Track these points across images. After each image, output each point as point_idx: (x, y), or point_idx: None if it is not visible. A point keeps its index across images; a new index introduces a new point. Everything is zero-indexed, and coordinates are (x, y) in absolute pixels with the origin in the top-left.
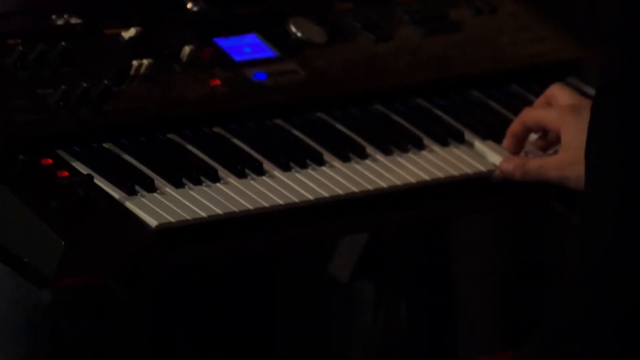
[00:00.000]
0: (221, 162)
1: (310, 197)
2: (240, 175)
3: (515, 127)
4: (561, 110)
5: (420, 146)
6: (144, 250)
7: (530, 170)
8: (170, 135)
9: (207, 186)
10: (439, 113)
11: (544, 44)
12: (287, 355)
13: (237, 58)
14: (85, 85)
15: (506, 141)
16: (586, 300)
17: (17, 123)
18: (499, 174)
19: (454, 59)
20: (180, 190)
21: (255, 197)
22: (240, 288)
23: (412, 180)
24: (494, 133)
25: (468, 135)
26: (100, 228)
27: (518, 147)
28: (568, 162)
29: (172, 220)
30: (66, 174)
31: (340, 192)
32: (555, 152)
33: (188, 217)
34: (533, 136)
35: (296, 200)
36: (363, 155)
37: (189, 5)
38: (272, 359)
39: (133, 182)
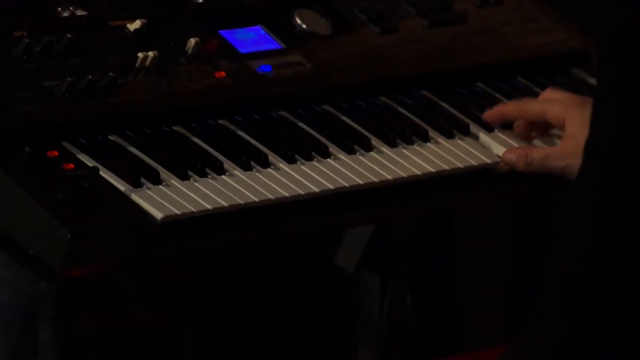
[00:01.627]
0: (226, 154)
1: (316, 189)
2: (246, 167)
3: (509, 111)
4: (565, 104)
5: (425, 138)
6: (150, 242)
7: (534, 160)
8: (175, 128)
9: (213, 178)
10: (444, 105)
11: (549, 35)
12: (291, 347)
13: (242, 50)
14: (90, 77)
15: (490, 114)
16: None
17: (23, 115)
18: (504, 165)
19: (459, 50)
20: (186, 182)
21: (261, 189)
22: (244, 279)
23: (417, 172)
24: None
25: (473, 128)
26: (106, 220)
27: (497, 123)
28: (573, 151)
29: (178, 212)
30: (72, 166)
31: (346, 184)
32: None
33: (193, 210)
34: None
35: (301, 192)
36: (368, 147)
37: None
38: (277, 351)
39: (138, 175)
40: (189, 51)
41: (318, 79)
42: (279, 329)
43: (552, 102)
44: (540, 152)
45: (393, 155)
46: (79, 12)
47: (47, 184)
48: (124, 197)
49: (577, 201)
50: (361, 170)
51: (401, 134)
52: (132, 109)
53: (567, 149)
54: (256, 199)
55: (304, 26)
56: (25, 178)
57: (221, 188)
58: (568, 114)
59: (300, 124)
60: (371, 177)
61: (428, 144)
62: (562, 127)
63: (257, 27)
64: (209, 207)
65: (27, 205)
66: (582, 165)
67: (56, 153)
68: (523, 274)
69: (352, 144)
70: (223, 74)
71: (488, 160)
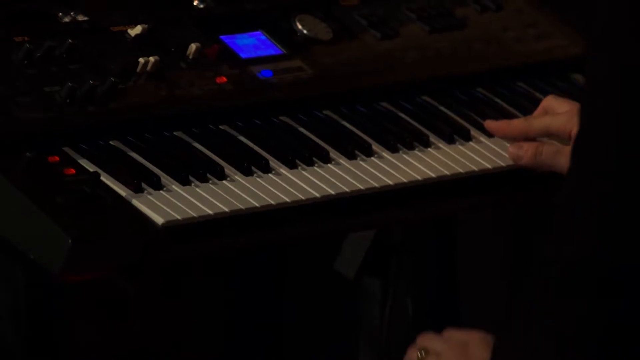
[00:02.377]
0: (227, 159)
1: (317, 195)
2: (247, 172)
3: (513, 133)
4: (568, 115)
5: (426, 143)
6: (151, 246)
7: (545, 153)
8: (176, 133)
9: (214, 183)
10: (445, 110)
11: (549, 40)
12: (294, 351)
13: (243, 55)
14: (91, 82)
15: (495, 130)
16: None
17: (24, 120)
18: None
19: (460, 56)
20: (187, 187)
21: (262, 195)
22: (245, 284)
23: (418, 177)
24: None
25: (474, 133)
26: (107, 225)
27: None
28: None
29: (179, 217)
30: (73, 171)
31: (346, 189)
32: None
33: (194, 215)
34: None
35: (302, 197)
36: (369, 152)
37: (196, 2)
38: (279, 355)
39: (139, 180)
40: (190, 56)
41: (319, 84)
42: (281, 333)
43: (554, 116)
44: (552, 147)
45: (394, 160)
46: (80, 18)
47: (47, 189)
48: (125, 202)
49: (571, 193)
50: (362, 175)
51: (402, 139)
52: (133, 114)
53: None
54: (257, 204)
55: (305, 31)
56: (26, 183)
57: (222, 193)
58: (574, 122)
59: (301, 129)
60: (372, 182)
61: (429, 149)
62: (567, 138)
63: (258, 32)
64: (210, 212)
65: (28, 210)
66: (572, 162)
67: (57, 158)
68: (522, 279)
69: (353, 149)
70: (224, 79)
71: (489, 166)
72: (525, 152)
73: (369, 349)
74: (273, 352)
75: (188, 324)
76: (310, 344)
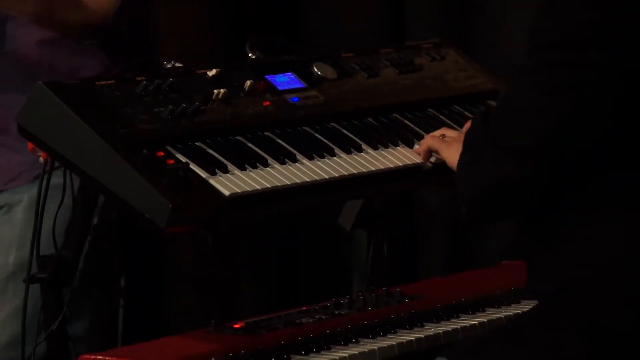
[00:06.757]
0: (269, 153)
1: (326, 176)
2: (282, 162)
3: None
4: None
5: (395, 144)
6: (221, 210)
7: (437, 149)
8: (237, 137)
9: (261, 169)
10: (408, 123)
11: (474, 79)
12: (308, 278)
13: (280, 88)
14: (184, 105)
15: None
16: None
17: (142, 130)
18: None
19: (418, 89)
20: (244, 172)
21: (291, 176)
22: (278, 233)
23: (390, 165)
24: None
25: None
26: (193, 196)
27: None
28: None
29: (239, 191)
30: (172, 162)
31: (345, 173)
32: None
33: (249, 189)
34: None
35: (317, 178)
36: (359, 149)
37: (250, 55)
38: (298, 280)
39: (214, 167)
40: (246, 89)
41: (327, 107)
42: (299, 268)
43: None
44: (440, 144)
45: (375, 154)
46: (177, 65)
47: (156, 173)
48: (204, 181)
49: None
50: (355, 164)
51: (380, 141)
52: (210, 126)
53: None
54: (289, 183)
55: (319, 73)
56: (144, 169)
57: (266, 176)
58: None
59: (316, 135)
60: (361, 168)
61: (398, 147)
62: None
63: (289, 73)
64: (259, 187)
65: (144, 186)
66: None
67: (162, 153)
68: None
69: (349, 147)
70: (267, 103)
71: (434, 159)
72: (419, 151)
73: (359, 277)
74: (292, 280)
75: (241, 258)
76: (320, 275)
